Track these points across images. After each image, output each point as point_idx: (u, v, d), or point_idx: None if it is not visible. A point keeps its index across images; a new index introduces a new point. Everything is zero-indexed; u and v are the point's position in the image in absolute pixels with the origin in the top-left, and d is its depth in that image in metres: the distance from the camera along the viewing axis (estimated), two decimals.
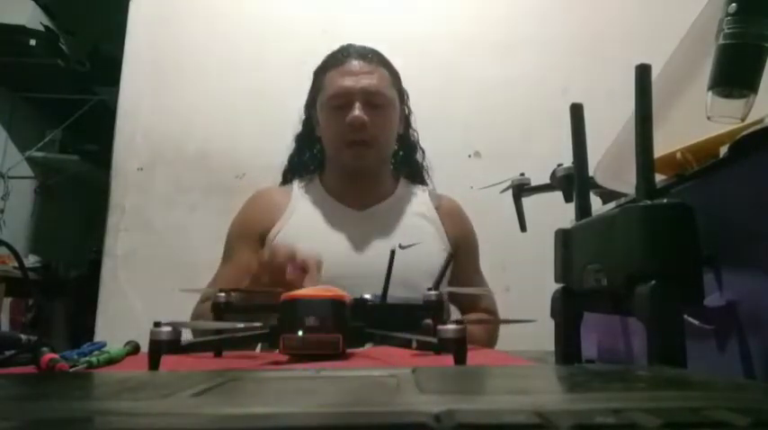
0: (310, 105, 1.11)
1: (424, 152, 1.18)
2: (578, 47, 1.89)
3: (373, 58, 1.05)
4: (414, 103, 1.15)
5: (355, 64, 1.02)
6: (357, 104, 0.99)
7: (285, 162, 1.17)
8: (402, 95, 1.10)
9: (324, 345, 0.54)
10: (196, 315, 0.98)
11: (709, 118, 0.44)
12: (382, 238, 1.01)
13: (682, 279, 0.36)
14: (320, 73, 1.07)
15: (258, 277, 0.80)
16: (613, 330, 0.55)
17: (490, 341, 1.00)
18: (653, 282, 0.35)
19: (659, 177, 0.48)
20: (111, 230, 1.82)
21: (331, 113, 1.02)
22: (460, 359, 0.48)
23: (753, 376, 0.37)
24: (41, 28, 2.55)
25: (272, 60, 1.89)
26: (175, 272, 1.75)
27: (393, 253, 0.70)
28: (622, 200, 0.58)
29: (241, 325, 0.57)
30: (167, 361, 0.48)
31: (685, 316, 0.40)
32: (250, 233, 1.05)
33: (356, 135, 1.00)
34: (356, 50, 1.05)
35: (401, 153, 1.16)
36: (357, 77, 1.01)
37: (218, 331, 0.61)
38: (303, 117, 1.15)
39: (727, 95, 0.43)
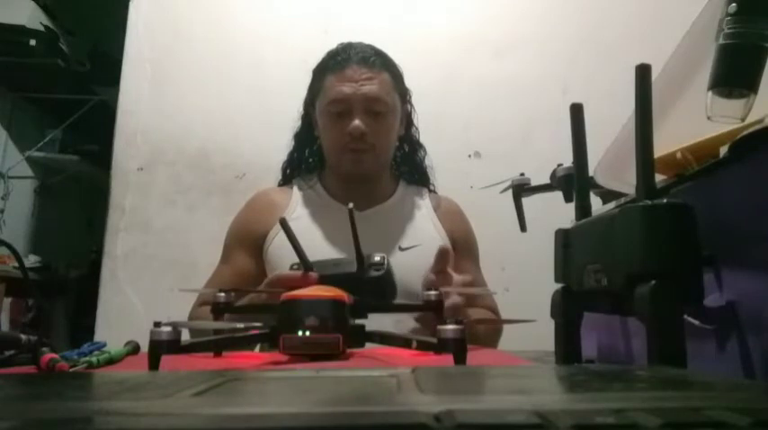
0: (309, 104, 1.11)
1: (425, 151, 1.17)
2: (578, 47, 1.89)
3: (375, 61, 1.02)
4: (414, 103, 1.15)
5: (356, 69, 1.00)
6: (357, 113, 0.98)
7: (285, 159, 1.17)
8: (404, 96, 1.09)
9: (324, 345, 0.54)
10: (193, 318, 0.98)
11: (709, 118, 0.44)
12: (382, 240, 1.01)
13: (682, 279, 0.36)
14: (319, 74, 1.05)
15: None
16: (613, 330, 0.55)
17: (492, 338, 1.00)
18: (653, 282, 0.35)
19: (659, 177, 0.48)
20: (111, 230, 1.82)
21: (330, 119, 1.01)
22: (460, 359, 0.48)
23: (753, 376, 0.37)
24: (41, 28, 2.55)
25: (273, 60, 1.89)
26: (175, 272, 1.76)
27: (351, 211, 0.68)
28: (622, 200, 0.58)
29: (241, 325, 0.57)
30: (167, 361, 0.48)
31: (685, 316, 0.40)
32: (247, 236, 1.05)
33: (355, 144, 0.99)
34: (357, 53, 1.02)
35: (402, 152, 1.15)
36: (357, 84, 0.99)
37: (218, 331, 0.61)
38: (302, 113, 1.14)
39: (727, 95, 0.43)
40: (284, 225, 0.70)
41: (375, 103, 1.00)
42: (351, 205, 0.68)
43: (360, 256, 0.70)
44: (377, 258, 0.72)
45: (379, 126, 1.01)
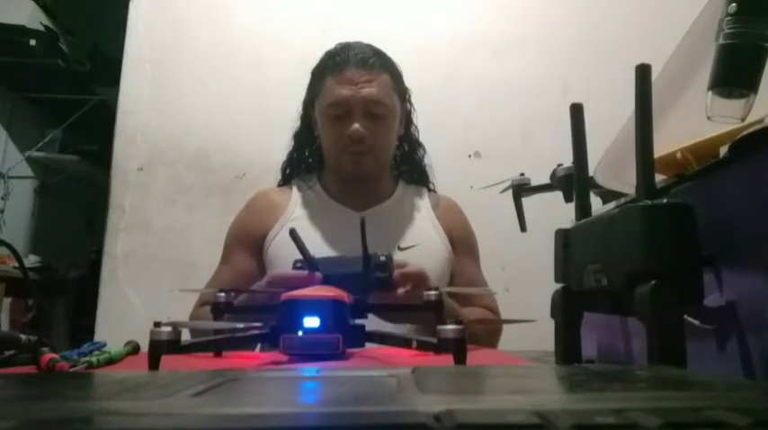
0: (308, 104, 1.10)
1: (425, 150, 1.17)
2: (578, 47, 1.89)
3: (375, 62, 1.01)
4: (414, 103, 1.15)
5: (354, 72, 0.99)
6: (356, 115, 0.98)
7: (284, 159, 1.17)
8: (403, 96, 1.09)
9: (324, 345, 0.54)
10: (194, 318, 0.98)
11: (709, 118, 0.44)
12: (381, 240, 1.01)
13: (682, 279, 0.36)
14: (318, 75, 1.05)
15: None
16: (613, 330, 0.55)
17: (491, 338, 1.00)
18: (653, 282, 0.35)
19: (659, 177, 0.48)
20: (111, 230, 1.82)
21: (330, 122, 1.01)
22: (460, 359, 0.48)
23: (753, 376, 0.37)
24: (41, 28, 2.55)
25: (273, 60, 1.89)
26: (175, 272, 1.76)
27: (363, 221, 0.69)
28: (622, 200, 0.58)
29: (241, 325, 0.57)
30: (167, 361, 0.48)
31: (685, 316, 0.40)
32: (247, 237, 1.05)
33: (355, 146, 0.99)
34: (356, 55, 1.01)
35: (401, 151, 1.15)
36: (356, 87, 0.98)
37: (218, 331, 0.61)
38: (301, 113, 1.14)
39: (727, 95, 0.43)
40: (294, 235, 0.71)
41: (374, 105, 0.99)
42: (363, 216, 0.69)
43: (366, 258, 0.70)
44: (382, 258, 0.73)
45: (378, 128, 1.00)
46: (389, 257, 0.75)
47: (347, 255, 0.82)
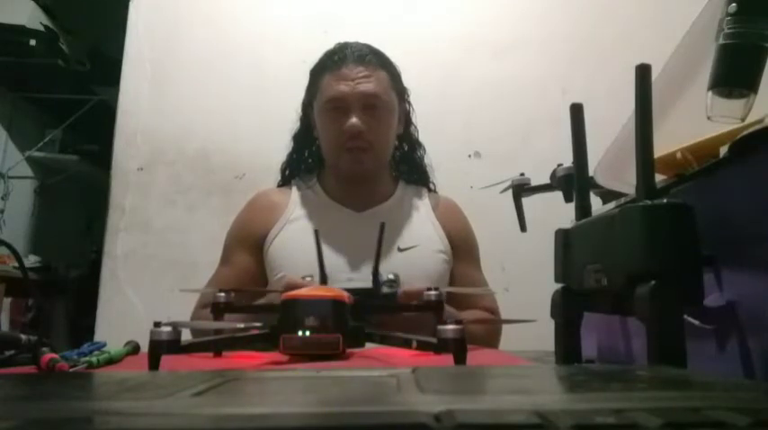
0: (307, 105, 1.11)
1: (424, 150, 1.17)
2: (578, 47, 1.89)
3: (372, 59, 1.02)
4: (413, 103, 1.15)
5: (352, 68, 1.00)
6: (354, 111, 0.98)
7: (284, 160, 1.17)
8: (402, 95, 1.09)
9: (324, 345, 0.54)
10: (195, 320, 0.98)
11: (709, 118, 0.44)
12: None
13: (682, 279, 0.36)
14: (317, 74, 1.05)
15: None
16: (613, 330, 0.55)
17: (490, 338, 1.00)
18: (653, 282, 0.35)
19: (659, 177, 0.48)
20: (111, 230, 1.82)
21: (328, 119, 1.01)
22: (460, 359, 0.48)
23: (753, 376, 0.37)
24: (41, 28, 2.55)
25: (273, 60, 1.89)
26: (175, 272, 1.76)
27: (383, 226, 0.70)
28: (622, 200, 0.58)
29: (241, 325, 0.57)
30: (167, 361, 0.48)
31: (685, 316, 0.40)
32: (248, 237, 1.05)
33: (354, 142, 0.99)
34: (353, 53, 1.02)
35: (401, 151, 1.15)
36: (354, 83, 0.99)
37: (218, 331, 0.61)
38: (300, 115, 1.14)
39: (727, 95, 0.43)
40: (317, 237, 0.73)
41: (372, 98, 0.99)
42: (383, 222, 0.70)
43: (376, 271, 0.71)
44: (390, 276, 0.75)
45: (376, 124, 1.00)
46: (397, 276, 0.79)
47: (357, 286, 0.82)
